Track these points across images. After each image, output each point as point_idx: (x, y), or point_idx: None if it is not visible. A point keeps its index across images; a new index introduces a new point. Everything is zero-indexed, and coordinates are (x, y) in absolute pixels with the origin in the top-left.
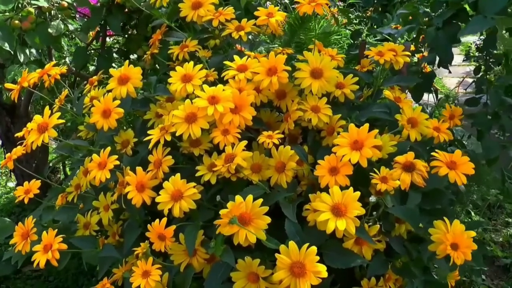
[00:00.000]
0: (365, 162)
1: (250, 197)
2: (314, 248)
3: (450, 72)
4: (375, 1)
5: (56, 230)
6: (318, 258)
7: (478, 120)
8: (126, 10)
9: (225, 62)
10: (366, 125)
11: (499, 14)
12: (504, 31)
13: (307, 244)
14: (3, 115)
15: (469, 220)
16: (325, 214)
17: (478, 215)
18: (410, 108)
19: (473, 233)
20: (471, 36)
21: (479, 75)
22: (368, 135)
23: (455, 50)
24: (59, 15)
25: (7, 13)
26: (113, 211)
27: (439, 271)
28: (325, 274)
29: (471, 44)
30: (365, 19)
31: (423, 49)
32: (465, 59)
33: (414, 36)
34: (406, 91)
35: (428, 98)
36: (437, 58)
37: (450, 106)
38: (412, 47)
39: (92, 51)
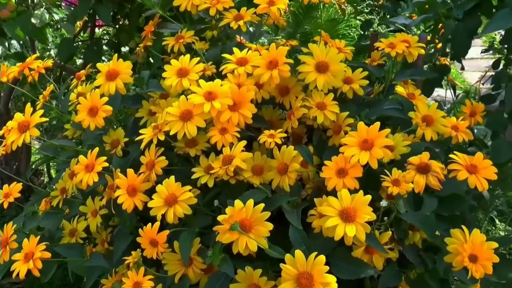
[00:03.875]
0: (375, 164)
1: (250, 201)
2: (322, 257)
3: (463, 68)
4: None
5: (39, 237)
6: (327, 268)
7: (493, 119)
8: None
9: (223, 55)
10: (377, 124)
11: None
12: None
13: (315, 253)
14: None
15: (493, 228)
16: (333, 220)
17: (504, 222)
18: (425, 105)
19: (494, 244)
20: None
21: (498, 70)
22: (379, 134)
23: (477, 41)
24: (43, 3)
25: None
26: (102, 217)
27: (459, 285)
28: (335, 286)
29: (495, 35)
30: (377, 8)
31: (437, 41)
32: (483, 51)
33: (431, 26)
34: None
35: (446, 94)
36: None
37: (471, 102)
38: (428, 38)
39: (80, 43)
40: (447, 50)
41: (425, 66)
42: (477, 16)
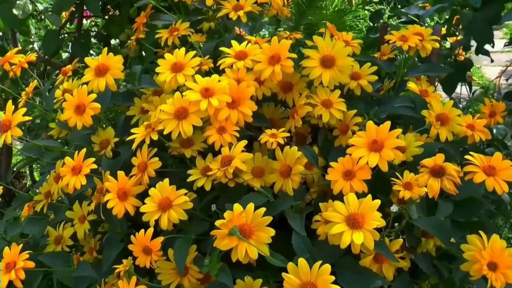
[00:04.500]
0: (385, 166)
1: (251, 205)
2: (327, 267)
3: (492, 60)
4: None
5: (22, 245)
6: (332, 278)
7: None
8: None
9: (221, 48)
10: (387, 123)
11: None
12: None
13: (319, 262)
14: None
15: None
16: (339, 226)
17: None
18: (440, 103)
19: None
20: None
21: None
22: (389, 134)
23: (498, 34)
24: None
25: None
26: (90, 223)
27: None
28: None
29: None
30: None
31: (457, 33)
32: (506, 44)
33: (447, 17)
34: (436, 83)
35: (461, 90)
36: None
37: (491, 101)
38: (443, 30)
39: (66, 35)
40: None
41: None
42: (497, 3)
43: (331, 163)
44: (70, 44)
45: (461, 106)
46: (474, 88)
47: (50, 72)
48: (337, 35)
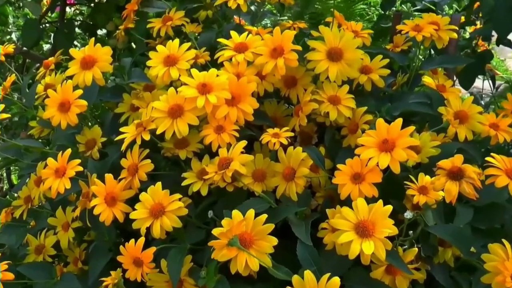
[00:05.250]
0: (397, 167)
1: (251, 212)
2: (336, 280)
3: None
4: None
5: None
6: None
7: None
8: None
9: (219, 40)
10: (399, 120)
11: None
12: None
13: (327, 275)
14: None
15: None
16: (347, 234)
17: None
18: (458, 99)
19: None
20: None
21: None
22: (402, 133)
23: None
24: None
25: None
26: (75, 230)
27: None
28: None
29: None
30: None
31: (478, 22)
32: None
33: (466, 4)
34: (454, 77)
35: (483, 85)
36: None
37: None
38: (463, 19)
39: (47, 24)
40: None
41: (462, 53)
42: None
43: (339, 165)
44: (52, 34)
45: (483, 102)
46: (497, 83)
47: (30, 65)
48: (346, 25)
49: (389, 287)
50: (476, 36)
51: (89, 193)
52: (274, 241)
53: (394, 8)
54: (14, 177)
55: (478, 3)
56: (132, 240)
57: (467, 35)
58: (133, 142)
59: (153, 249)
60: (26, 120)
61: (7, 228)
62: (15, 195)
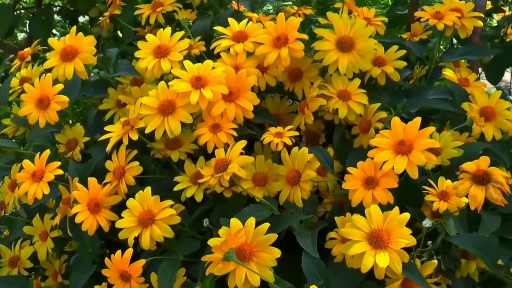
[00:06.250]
0: (415, 172)
1: (251, 220)
2: None
3: None
4: None
5: None
6: None
7: None
8: None
9: (215, 28)
10: (418, 119)
11: None
12: None
13: None
14: None
15: None
16: (359, 245)
17: None
18: (484, 94)
19: None
20: None
21: None
22: (420, 134)
23: None
24: None
25: None
26: (54, 240)
27: None
28: None
29: None
30: None
31: (507, 8)
32: None
33: None
34: (479, 69)
35: (511, 80)
36: None
37: None
38: (489, 5)
39: (22, 11)
40: None
41: (488, 43)
42: None
43: (349, 169)
44: (28, 22)
45: (511, 98)
46: None
47: (3, 56)
48: (357, 12)
49: None
50: (504, 24)
51: (70, 199)
52: (277, 253)
53: None
54: None
55: None
56: (119, 252)
57: (494, 23)
58: (119, 142)
59: (142, 261)
60: None
61: None
62: None
